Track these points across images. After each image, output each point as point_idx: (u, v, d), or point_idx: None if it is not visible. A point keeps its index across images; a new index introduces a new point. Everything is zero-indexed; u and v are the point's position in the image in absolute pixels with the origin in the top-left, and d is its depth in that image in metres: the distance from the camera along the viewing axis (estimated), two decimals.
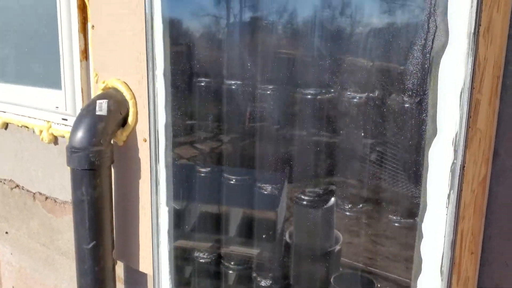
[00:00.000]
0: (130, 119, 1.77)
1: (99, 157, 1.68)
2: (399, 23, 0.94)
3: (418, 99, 0.94)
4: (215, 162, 1.31)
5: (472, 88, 0.86)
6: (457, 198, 0.91)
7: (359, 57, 1.01)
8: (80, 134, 1.67)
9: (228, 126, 1.27)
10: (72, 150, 1.67)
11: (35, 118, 2.12)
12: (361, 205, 1.07)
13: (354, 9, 0.99)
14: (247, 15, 1.17)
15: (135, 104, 1.76)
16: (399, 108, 0.98)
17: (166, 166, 1.36)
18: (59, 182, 2.16)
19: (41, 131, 2.10)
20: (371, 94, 1.04)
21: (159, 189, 1.38)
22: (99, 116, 1.69)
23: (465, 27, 0.85)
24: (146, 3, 1.26)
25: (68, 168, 1.72)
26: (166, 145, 1.35)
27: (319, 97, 1.10)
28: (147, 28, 1.29)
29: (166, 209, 1.38)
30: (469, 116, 0.88)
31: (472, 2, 0.84)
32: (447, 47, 0.87)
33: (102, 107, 1.70)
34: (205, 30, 1.25)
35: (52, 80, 2.07)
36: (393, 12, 0.94)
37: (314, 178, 1.07)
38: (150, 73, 1.32)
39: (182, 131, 1.33)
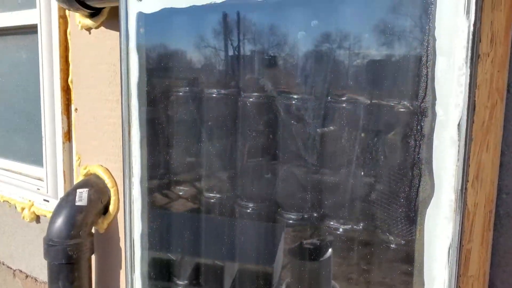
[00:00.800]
0: (111, 208, 1.70)
1: (78, 251, 1.60)
2: (383, 164, 0.88)
3: (404, 246, 0.87)
4: (193, 276, 1.24)
5: (461, 245, 0.80)
6: None
7: (341, 194, 0.95)
8: (58, 226, 1.60)
9: (207, 241, 1.20)
10: (49, 244, 1.59)
11: (16, 194, 2.06)
12: None
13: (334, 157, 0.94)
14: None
15: (117, 192, 1.70)
16: (384, 251, 0.91)
17: (142, 276, 1.28)
18: (40, 262, 2.07)
19: (22, 209, 2.03)
20: (355, 227, 0.97)
21: None
22: (79, 206, 1.62)
23: (452, 182, 0.79)
24: (123, 113, 1.21)
25: None
26: (142, 255, 1.27)
27: (299, 224, 1.03)
28: (124, 135, 1.24)
29: None
30: (458, 275, 0.80)
31: (458, 155, 0.78)
32: (432, 199, 0.81)
33: (82, 197, 1.63)
34: (183, 141, 1.20)
35: (35, 157, 2.02)
36: (377, 152, 0.88)
37: None
38: (127, 180, 1.25)
39: (158, 242, 1.26)
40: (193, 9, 1.09)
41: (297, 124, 0.96)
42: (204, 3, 1.06)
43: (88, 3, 1.42)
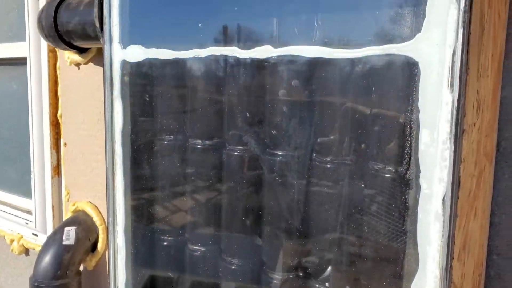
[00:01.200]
0: (99, 246, 1.67)
1: None
2: (368, 234, 0.85)
3: None
4: None
5: None
6: None
7: (326, 260, 0.92)
8: (44, 266, 1.57)
9: None
10: (35, 284, 1.56)
11: (4, 226, 2.03)
12: None
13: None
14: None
15: (105, 230, 1.67)
16: None
17: None
18: None
19: (11, 241, 2.00)
20: None
21: None
22: (66, 246, 1.60)
23: (436, 257, 0.76)
24: (107, 160, 1.19)
25: None
26: None
27: (284, 285, 1.01)
28: (108, 183, 1.21)
29: None
30: None
31: (442, 230, 0.75)
32: (417, 274, 0.78)
33: (69, 236, 1.61)
34: (167, 192, 1.17)
35: (25, 188, 2.00)
36: (362, 221, 0.86)
37: None
38: (111, 229, 1.23)
39: None
40: (176, 61, 1.07)
41: (281, 185, 0.94)
42: (188, 56, 1.04)
43: (74, 43, 1.41)
